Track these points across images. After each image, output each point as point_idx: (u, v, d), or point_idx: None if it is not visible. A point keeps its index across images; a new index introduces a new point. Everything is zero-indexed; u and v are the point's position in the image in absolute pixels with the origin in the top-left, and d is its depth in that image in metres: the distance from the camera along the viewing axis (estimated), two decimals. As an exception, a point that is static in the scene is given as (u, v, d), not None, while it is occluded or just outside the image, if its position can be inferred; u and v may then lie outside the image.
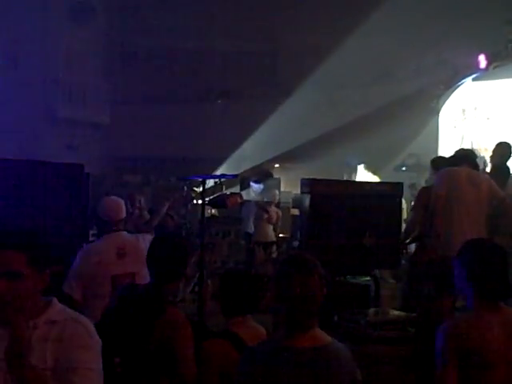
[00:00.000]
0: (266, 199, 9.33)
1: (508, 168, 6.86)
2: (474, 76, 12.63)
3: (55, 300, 2.28)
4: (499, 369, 2.78)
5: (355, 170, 10.99)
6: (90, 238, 6.64)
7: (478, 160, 6.00)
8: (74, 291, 4.11)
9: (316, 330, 2.50)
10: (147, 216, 9.71)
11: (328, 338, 2.51)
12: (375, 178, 10.25)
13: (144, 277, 3.75)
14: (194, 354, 3.16)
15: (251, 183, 9.28)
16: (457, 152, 5.93)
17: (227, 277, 3.50)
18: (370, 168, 10.48)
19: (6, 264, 2.11)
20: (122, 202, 4.58)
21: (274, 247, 9.15)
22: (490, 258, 2.87)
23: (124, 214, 4.49)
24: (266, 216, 9.19)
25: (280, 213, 9.31)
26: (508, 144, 6.99)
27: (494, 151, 7.02)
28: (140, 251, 4.02)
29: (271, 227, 9.18)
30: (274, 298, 2.49)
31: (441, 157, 6.98)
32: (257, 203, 9.61)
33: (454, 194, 5.35)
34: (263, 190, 9.36)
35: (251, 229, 9.08)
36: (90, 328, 2.26)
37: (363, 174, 10.42)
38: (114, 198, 4.69)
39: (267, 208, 9.27)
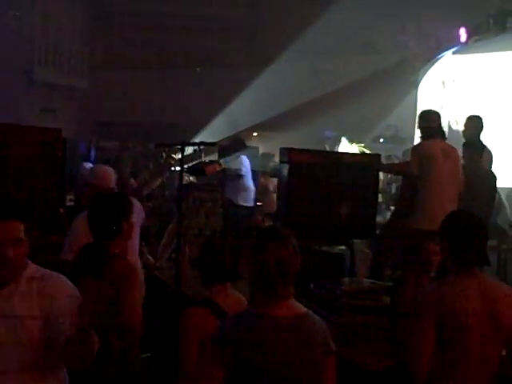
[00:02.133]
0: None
1: (481, 141, 6.92)
2: (454, 49, 12.65)
3: (29, 261, 2.57)
4: (475, 331, 2.91)
5: (338, 142, 11.00)
6: (67, 203, 6.62)
7: (454, 133, 6.08)
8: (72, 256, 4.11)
9: (292, 301, 2.55)
10: (134, 184, 9.71)
11: (304, 309, 2.56)
12: (358, 150, 10.27)
13: (135, 242, 4.07)
14: (139, 305, 3.34)
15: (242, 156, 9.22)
16: (429, 124, 5.91)
17: (208, 245, 3.52)
18: (353, 140, 10.50)
19: (12, 232, 2.40)
20: (113, 172, 4.65)
21: None
22: (469, 228, 2.98)
23: (114, 184, 4.56)
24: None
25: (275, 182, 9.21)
26: (479, 117, 7.04)
27: (465, 125, 7.07)
28: (137, 209, 4.28)
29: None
30: (249, 268, 2.54)
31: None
32: (262, 173, 9.63)
33: (431, 168, 5.42)
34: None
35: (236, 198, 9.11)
36: (67, 280, 2.60)
37: (346, 146, 10.43)
38: (106, 167, 4.75)
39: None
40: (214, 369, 2.46)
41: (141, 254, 4.73)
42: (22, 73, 17.27)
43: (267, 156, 12.38)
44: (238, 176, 9.07)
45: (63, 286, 2.56)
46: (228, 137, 11.36)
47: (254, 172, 9.64)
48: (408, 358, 2.98)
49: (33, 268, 2.56)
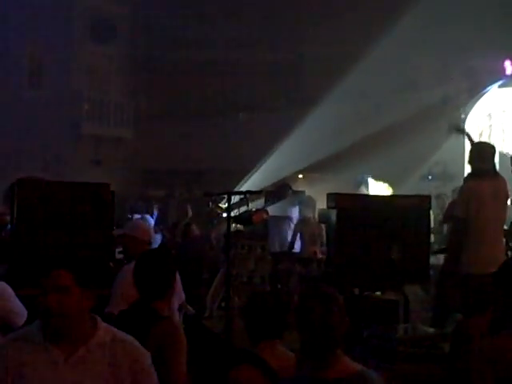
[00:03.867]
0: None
1: None
2: (500, 83, 12.48)
3: (99, 319, 2.47)
4: None
5: (366, 183, 10.91)
6: (117, 256, 6.65)
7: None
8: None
9: (344, 359, 2.47)
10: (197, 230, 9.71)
11: (358, 367, 2.48)
12: (388, 191, 10.13)
13: (175, 301, 3.99)
14: (185, 367, 3.25)
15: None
16: (482, 165, 5.69)
17: (254, 298, 3.44)
18: (383, 180, 10.37)
19: (56, 280, 2.35)
20: (150, 225, 4.70)
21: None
22: None
23: (151, 238, 4.59)
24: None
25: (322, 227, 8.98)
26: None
27: None
28: None
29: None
30: (296, 329, 2.49)
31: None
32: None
33: (479, 211, 5.27)
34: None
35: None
36: (139, 345, 2.49)
37: (374, 187, 10.30)
38: (142, 220, 4.80)
39: None
40: None
41: (182, 305, 4.70)
42: (71, 127, 17.75)
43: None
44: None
45: (139, 355, 2.45)
46: (274, 183, 11.38)
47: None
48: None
49: (103, 330, 2.44)
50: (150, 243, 4.64)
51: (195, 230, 9.33)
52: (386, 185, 10.37)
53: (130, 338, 2.48)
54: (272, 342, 3.22)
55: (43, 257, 4.86)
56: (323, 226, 8.12)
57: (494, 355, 2.79)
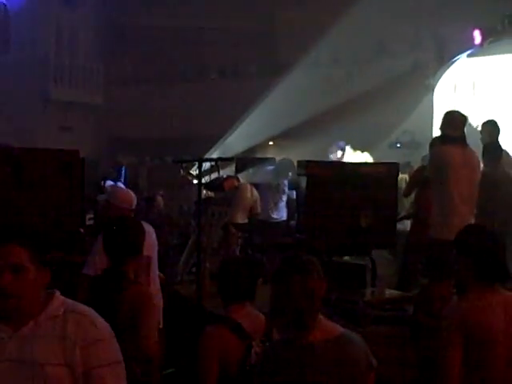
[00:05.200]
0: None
1: (499, 145, 6.84)
2: (468, 52, 12.56)
3: (57, 293, 2.27)
4: (501, 347, 2.89)
5: (342, 151, 10.97)
6: (87, 222, 6.67)
7: (473, 137, 5.98)
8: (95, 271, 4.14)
9: (326, 322, 2.57)
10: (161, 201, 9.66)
11: (339, 329, 2.57)
12: (364, 157, 10.19)
13: (155, 261, 4.12)
14: (155, 332, 3.31)
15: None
16: (452, 132, 5.80)
17: (226, 264, 3.53)
18: (357, 148, 10.44)
19: (10, 258, 2.13)
20: (133, 195, 4.72)
21: None
22: (490, 244, 2.97)
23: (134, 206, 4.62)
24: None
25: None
26: (494, 122, 6.97)
27: (481, 131, 7.01)
28: (152, 238, 4.32)
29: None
30: (272, 298, 2.54)
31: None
32: None
33: (449, 175, 5.34)
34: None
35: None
36: (92, 317, 2.24)
37: (350, 155, 10.35)
38: (127, 189, 4.80)
39: None
40: None
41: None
42: (39, 92, 17.47)
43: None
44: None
45: (85, 328, 2.19)
46: (244, 150, 11.38)
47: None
48: (437, 378, 2.96)
49: (58, 303, 2.24)
50: (133, 210, 4.67)
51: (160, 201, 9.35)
52: (366, 153, 10.42)
53: (85, 309, 2.25)
54: (243, 304, 3.31)
55: (13, 221, 4.87)
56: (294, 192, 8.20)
57: (460, 317, 2.91)
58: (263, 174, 9.06)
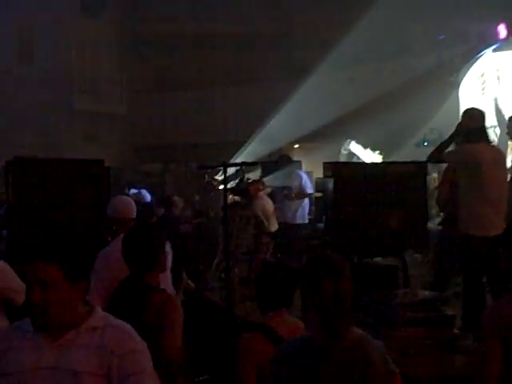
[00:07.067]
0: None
1: None
2: (494, 47, 12.38)
3: (98, 308, 2.35)
4: None
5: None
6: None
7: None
8: (94, 298, 4.02)
9: (352, 328, 2.47)
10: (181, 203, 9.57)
11: (358, 332, 2.48)
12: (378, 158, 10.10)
13: (167, 273, 3.88)
14: (179, 338, 3.24)
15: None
16: (473, 125, 5.66)
17: (263, 269, 3.47)
18: (378, 148, 10.37)
19: (39, 274, 2.20)
20: (132, 202, 4.58)
21: None
22: None
23: (134, 214, 4.47)
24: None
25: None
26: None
27: (508, 125, 6.92)
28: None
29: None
30: (303, 299, 2.47)
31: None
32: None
33: (480, 173, 5.24)
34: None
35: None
36: (130, 331, 2.33)
37: (368, 156, 10.27)
38: (124, 197, 4.70)
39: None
40: None
41: (181, 279, 4.69)
42: (63, 103, 17.63)
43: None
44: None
45: (121, 339, 2.29)
46: (269, 154, 11.30)
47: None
48: (477, 379, 2.88)
49: (97, 317, 2.31)
50: (134, 219, 4.55)
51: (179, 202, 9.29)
52: (376, 152, 10.35)
53: (123, 323, 2.34)
54: (280, 311, 3.25)
55: (42, 234, 4.87)
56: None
57: (501, 315, 2.83)
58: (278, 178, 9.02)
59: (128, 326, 2.34)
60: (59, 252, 2.27)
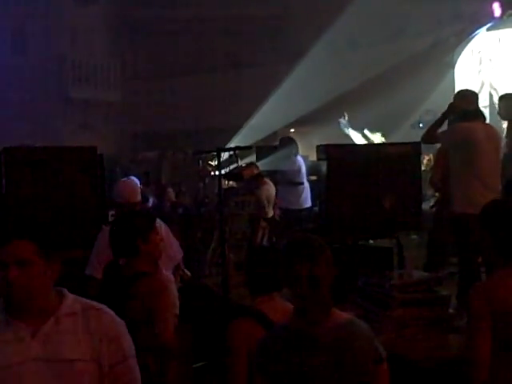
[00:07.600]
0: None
1: None
2: (488, 25, 12.31)
3: (65, 290, 2.27)
4: None
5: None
6: (110, 219, 6.65)
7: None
8: (97, 271, 4.12)
9: (336, 313, 2.47)
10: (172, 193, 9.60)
11: (345, 317, 2.47)
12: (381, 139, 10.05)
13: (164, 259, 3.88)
14: (171, 323, 3.27)
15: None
16: (466, 106, 5.66)
17: (252, 254, 3.47)
18: (379, 129, 10.32)
19: (16, 252, 2.14)
20: (137, 185, 4.60)
21: None
22: None
23: (139, 197, 4.51)
24: None
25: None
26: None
27: (499, 105, 6.90)
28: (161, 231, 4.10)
29: None
30: (283, 281, 2.46)
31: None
32: None
33: (474, 150, 5.24)
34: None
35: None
36: (111, 313, 2.28)
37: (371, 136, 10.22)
38: (128, 180, 4.71)
39: None
40: (260, 380, 2.44)
41: (177, 267, 4.68)
42: (57, 91, 17.57)
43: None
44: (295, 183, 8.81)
45: (109, 322, 2.25)
46: (263, 138, 11.27)
47: None
48: (467, 358, 2.86)
49: (71, 300, 2.24)
50: (139, 202, 4.60)
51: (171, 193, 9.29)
52: (379, 134, 10.31)
53: (101, 306, 2.28)
54: (270, 295, 3.24)
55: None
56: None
57: (488, 294, 2.80)
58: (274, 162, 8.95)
59: (107, 309, 2.29)
60: (34, 229, 2.21)
